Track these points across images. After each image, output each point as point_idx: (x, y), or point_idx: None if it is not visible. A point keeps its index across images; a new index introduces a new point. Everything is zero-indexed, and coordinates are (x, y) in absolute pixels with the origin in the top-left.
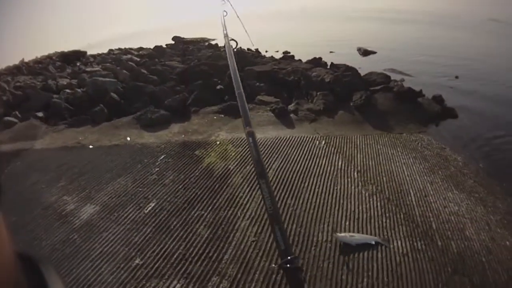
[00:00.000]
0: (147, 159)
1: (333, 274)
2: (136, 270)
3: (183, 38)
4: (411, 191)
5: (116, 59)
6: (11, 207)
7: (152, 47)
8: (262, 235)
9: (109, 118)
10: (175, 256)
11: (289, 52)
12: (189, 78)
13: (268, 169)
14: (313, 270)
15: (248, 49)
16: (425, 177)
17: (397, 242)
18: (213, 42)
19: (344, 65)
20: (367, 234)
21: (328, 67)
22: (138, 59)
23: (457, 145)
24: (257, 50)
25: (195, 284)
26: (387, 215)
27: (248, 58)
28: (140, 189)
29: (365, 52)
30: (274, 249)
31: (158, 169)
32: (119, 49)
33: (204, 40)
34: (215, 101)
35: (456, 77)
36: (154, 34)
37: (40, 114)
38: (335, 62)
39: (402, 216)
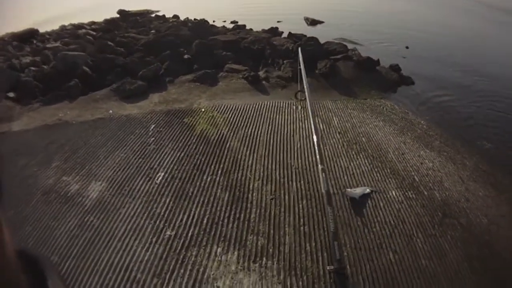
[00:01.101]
0: (138, 130)
1: (350, 222)
2: (171, 242)
3: (128, 11)
4: (389, 149)
5: (72, 34)
6: (6, 199)
7: (101, 20)
8: (278, 193)
9: (84, 92)
10: (205, 222)
11: (237, 22)
12: (155, 48)
13: (259, 132)
14: (324, 221)
15: (199, 19)
16: (398, 138)
17: (391, 192)
18: (159, 14)
19: (301, 34)
20: (363, 186)
21: (286, 36)
22: (94, 33)
23: (418, 110)
24: (205, 20)
25: (235, 245)
26: (376, 170)
27: (208, 29)
28: (143, 160)
29: (312, 22)
30: (294, 205)
31: (153, 138)
32: (72, 24)
33: (148, 12)
34: (185, 71)
35: (407, 47)
36: (96, 9)
37: (11, 94)
38: (283, 31)
39: (388, 171)
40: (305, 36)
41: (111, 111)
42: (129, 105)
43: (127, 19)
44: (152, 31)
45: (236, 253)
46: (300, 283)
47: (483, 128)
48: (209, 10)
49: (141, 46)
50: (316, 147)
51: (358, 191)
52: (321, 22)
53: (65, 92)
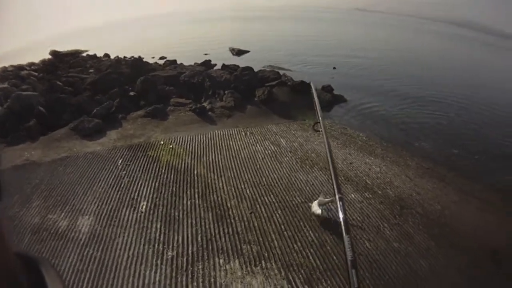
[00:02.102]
0: (107, 165)
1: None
2: (175, 261)
3: (60, 51)
4: (338, 161)
5: (15, 75)
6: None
7: (38, 61)
8: (254, 207)
9: (43, 132)
10: (199, 239)
11: (166, 57)
12: (102, 87)
13: (220, 158)
14: (302, 225)
15: (135, 57)
16: (343, 150)
17: (351, 195)
18: (90, 53)
19: (234, 65)
20: (325, 195)
21: (220, 68)
22: (36, 74)
23: (355, 124)
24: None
25: (233, 255)
26: (332, 179)
27: (145, 65)
28: (122, 192)
29: (238, 52)
30: (271, 215)
31: (125, 172)
32: (12, 65)
33: (78, 51)
34: (133, 107)
35: (334, 67)
36: (28, 51)
37: None
38: (215, 63)
39: (342, 178)
40: (238, 66)
41: (75, 149)
42: (91, 143)
43: (62, 59)
44: (91, 70)
45: (236, 261)
46: (301, 275)
47: (416, 130)
48: (135, 47)
49: (88, 85)
50: (333, 177)
51: (318, 207)
52: (246, 52)
53: (25, 133)
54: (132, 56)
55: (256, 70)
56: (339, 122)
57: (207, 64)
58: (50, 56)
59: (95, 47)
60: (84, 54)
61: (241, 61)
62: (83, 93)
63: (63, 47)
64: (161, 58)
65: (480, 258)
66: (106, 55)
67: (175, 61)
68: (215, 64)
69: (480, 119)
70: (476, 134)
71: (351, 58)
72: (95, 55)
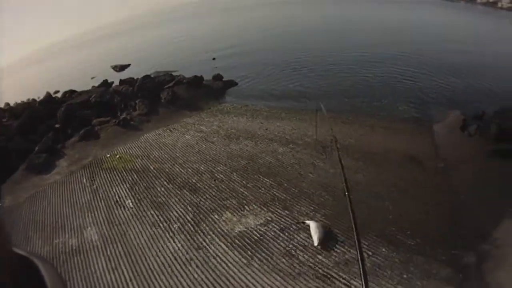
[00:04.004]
0: (75, 186)
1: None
2: (183, 228)
3: None
4: (256, 130)
5: None
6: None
7: None
8: (214, 176)
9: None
10: (194, 208)
11: (59, 91)
12: (29, 127)
13: (163, 152)
14: (256, 177)
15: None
16: (255, 121)
17: (280, 149)
18: None
19: (131, 78)
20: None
21: (118, 84)
22: None
23: (253, 99)
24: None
25: (223, 211)
26: (258, 143)
27: (53, 99)
28: (103, 200)
29: (121, 68)
30: (236, 188)
31: (95, 186)
32: None
33: None
34: (64, 136)
35: (213, 58)
36: None
37: None
38: (96, 83)
39: (266, 140)
40: (133, 78)
41: (39, 184)
42: (48, 175)
43: None
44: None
45: (228, 212)
46: (278, 205)
47: (308, 91)
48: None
49: (16, 129)
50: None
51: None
52: (128, 65)
53: None
54: (38, 97)
55: (155, 75)
56: (239, 102)
57: (106, 83)
58: None
59: None
60: None
61: (126, 75)
62: (15, 138)
63: None
64: (56, 92)
65: (401, 162)
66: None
67: (73, 91)
68: (113, 82)
69: (362, 73)
70: (360, 85)
71: (229, 47)
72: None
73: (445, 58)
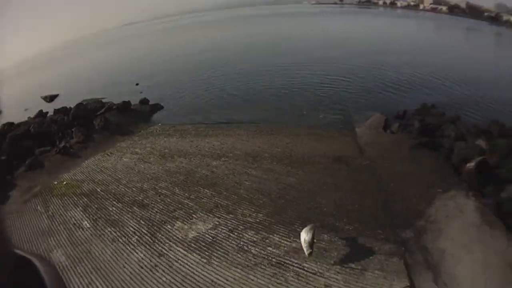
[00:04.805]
0: (30, 216)
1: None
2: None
3: None
4: (186, 147)
5: None
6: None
7: None
8: (170, 189)
9: None
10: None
11: None
12: None
13: (114, 173)
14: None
15: None
16: (185, 140)
17: (213, 163)
18: None
19: (64, 107)
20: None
21: (53, 113)
22: None
23: (180, 120)
24: None
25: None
26: (188, 156)
27: None
28: (63, 224)
29: (51, 98)
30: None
31: (50, 212)
32: None
33: None
34: (10, 168)
35: (137, 84)
36: None
37: None
38: (30, 114)
39: (200, 156)
40: (66, 107)
41: None
42: (5, 206)
43: None
44: None
45: (179, 222)
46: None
47: (230, 107)
48: None
49: None
50: None
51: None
52: (56, 95)
53: None
54: None
55: (86, 103)
56: (167, 123)
57: (42, 114)
58: None
59: None
60: None
61: (58, 104)
62: None
63: None
64: None
65: (329, 164)
66: None
67: (11, 123)
68: (47, 112)
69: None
70: (281, 98)
71: (153, 71)
72: None
73: (363, 63)
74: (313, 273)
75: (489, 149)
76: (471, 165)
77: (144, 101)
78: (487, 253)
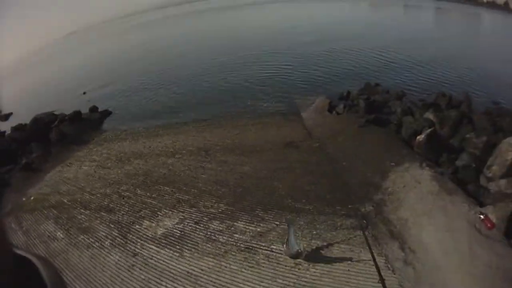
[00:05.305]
0: (12, 232)
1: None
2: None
3: None
4: (140, 149)
5: None
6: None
7: None
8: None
9: None
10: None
11: None
12: None
13: (81, 184)
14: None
15: None
16: (138, 142)
17: (169, 161)
18: None
19: (19, 124)
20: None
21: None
22: None
23: (130, 123)
24: None
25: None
26: (148, 158)
27: None
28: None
29: (5, 117)
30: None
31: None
32: None
33: None
34: None
35: (84, 93)
36: None
37: None
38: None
39: (155, 154)
40: (22, 124)
41: None
42: None
43: None
44: None
45: (146, 221)
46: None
47: (175, 106)
48: None
49: None
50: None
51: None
52: (11, 114)
53: None
54: None
55: (38, 118)
56: (118, 128)
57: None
58: None
59: None
60: None
61: (13, 123)
62: None
63: None
64: None
65: (279, 149)
66: None
67: None
68: (5, 131)
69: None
70: (224, 91)
71: (98, 79)
72: None
73: (303, 49)
74: (282, 254)
75: (438, 121)
76: (421, 137)
77: (93, 109)
78: (449, 217)
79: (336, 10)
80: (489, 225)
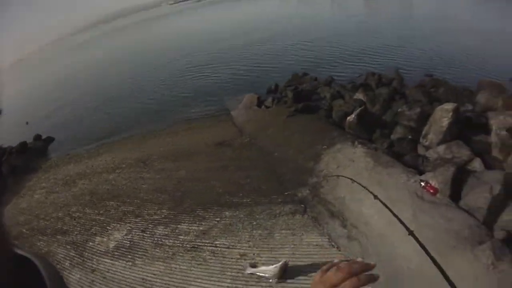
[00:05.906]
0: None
1: None
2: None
3: None
4: (91, 168)
5: None
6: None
7: None
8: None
9: None
10: None
11: None
12: None
13: (31, 218)
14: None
15: None
16: (83, 163)
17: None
18: None
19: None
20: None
21: None
22: None
23: (75, 147)
24: None
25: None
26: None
27: None
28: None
29: None
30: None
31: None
32: None
33: None
34: None
35: (27, 122)
36: None
37: None
38: None
39: (100, 170)
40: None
41: None
42: None
43: None
44: None
45: (98, 237)
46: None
47: (115, 123)
48: None
49: None
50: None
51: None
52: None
53: None
54: None
55: None
56: (62, 153)
57: None
58: None
59: None
60: None
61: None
62: None
63: None
64: None
65: (212, 150)
66: None
67: None
68: None
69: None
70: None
71: (37, 104)
72: None
73: (225, 50)
74: (226, 247)
75: (369, 100)
76: (351, 117)
77: (37, 137)
78: (389, 189)
79: (262, 8)
80: (431, 190)
